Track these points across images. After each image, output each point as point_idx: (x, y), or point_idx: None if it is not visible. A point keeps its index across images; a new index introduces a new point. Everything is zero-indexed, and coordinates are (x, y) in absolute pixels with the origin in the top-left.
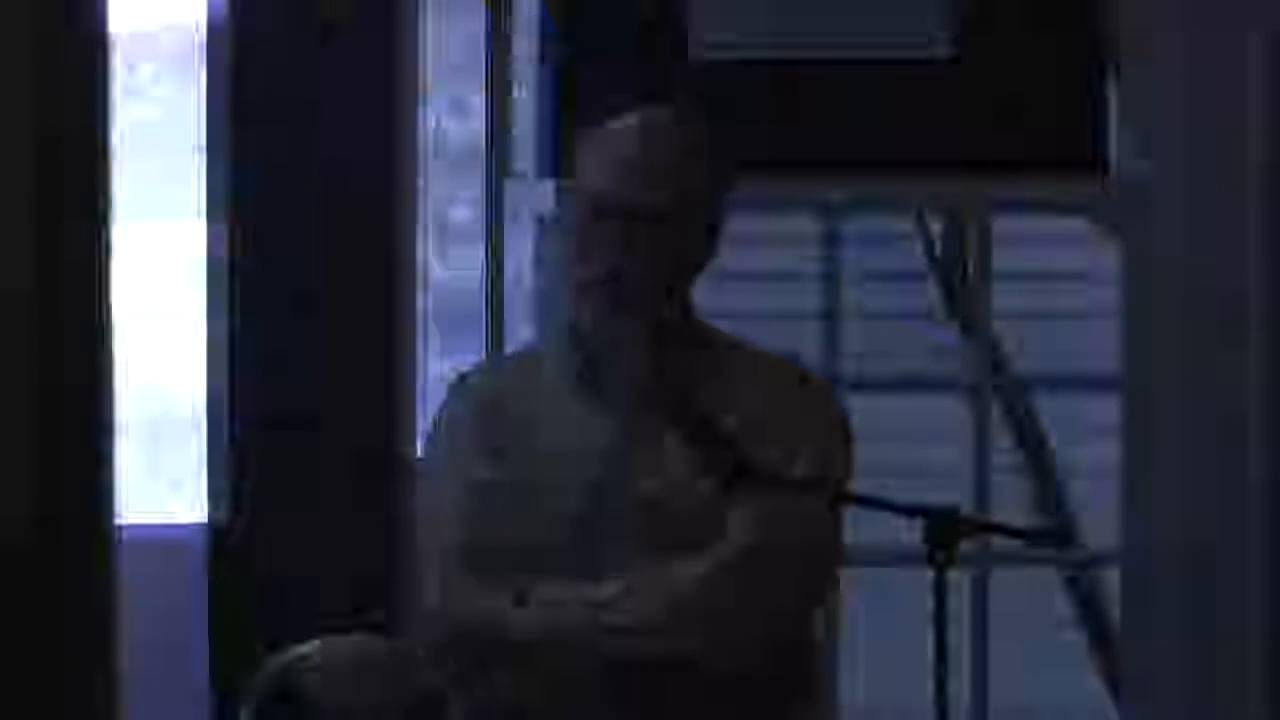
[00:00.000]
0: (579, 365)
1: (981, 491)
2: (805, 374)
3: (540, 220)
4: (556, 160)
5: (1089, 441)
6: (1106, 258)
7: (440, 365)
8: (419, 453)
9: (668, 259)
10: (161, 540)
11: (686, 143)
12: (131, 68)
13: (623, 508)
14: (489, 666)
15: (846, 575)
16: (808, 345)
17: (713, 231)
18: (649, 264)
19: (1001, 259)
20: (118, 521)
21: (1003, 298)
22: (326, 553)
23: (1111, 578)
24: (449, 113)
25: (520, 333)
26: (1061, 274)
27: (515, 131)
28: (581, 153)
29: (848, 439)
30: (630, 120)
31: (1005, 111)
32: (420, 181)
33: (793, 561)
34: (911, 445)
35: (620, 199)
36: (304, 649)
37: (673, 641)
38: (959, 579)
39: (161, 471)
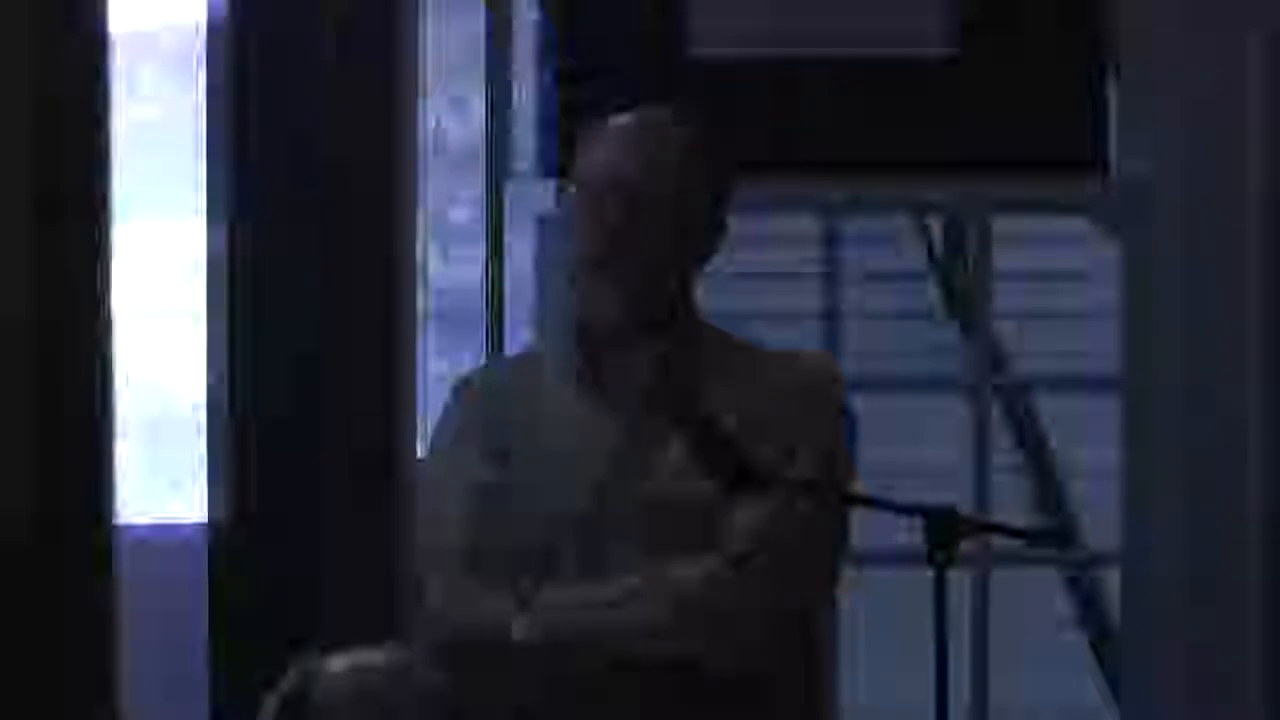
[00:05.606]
0: (581, 365)
1: (981, 491)
2: (808, 368)
3: (540, 220)
4: (556, 160)
5: (1089, 441)
6: (1106, 258)
7: (440, 365)
8: (421, 454)
9: (664, 245)
10: (161, 540)
11: (685, 139)
12: (131, 68)
13: (626, 509)
14: (492, 668)
15: (846, 575)
16: (808, 345)
17: (711, 231)
18: (645, 246)
19: (1001, 259)
20: (117, 521)
21: (1003, 298)
22: (326, 553)
23: (1111, 578)
24: (449, 113)
25: (520, 333)
26: (1061, 274)
27: (515, 131)
28: (583, 145)
29: (848, 426)
30: (631, 115)
31: (1005, 111)
32: (420, 181)
33: (796, 563)
34: (911, 445)
35: (619, 182)
36: (313, 671)
37: (677, 643)
38: (959, 579)
39: (161, 471)
